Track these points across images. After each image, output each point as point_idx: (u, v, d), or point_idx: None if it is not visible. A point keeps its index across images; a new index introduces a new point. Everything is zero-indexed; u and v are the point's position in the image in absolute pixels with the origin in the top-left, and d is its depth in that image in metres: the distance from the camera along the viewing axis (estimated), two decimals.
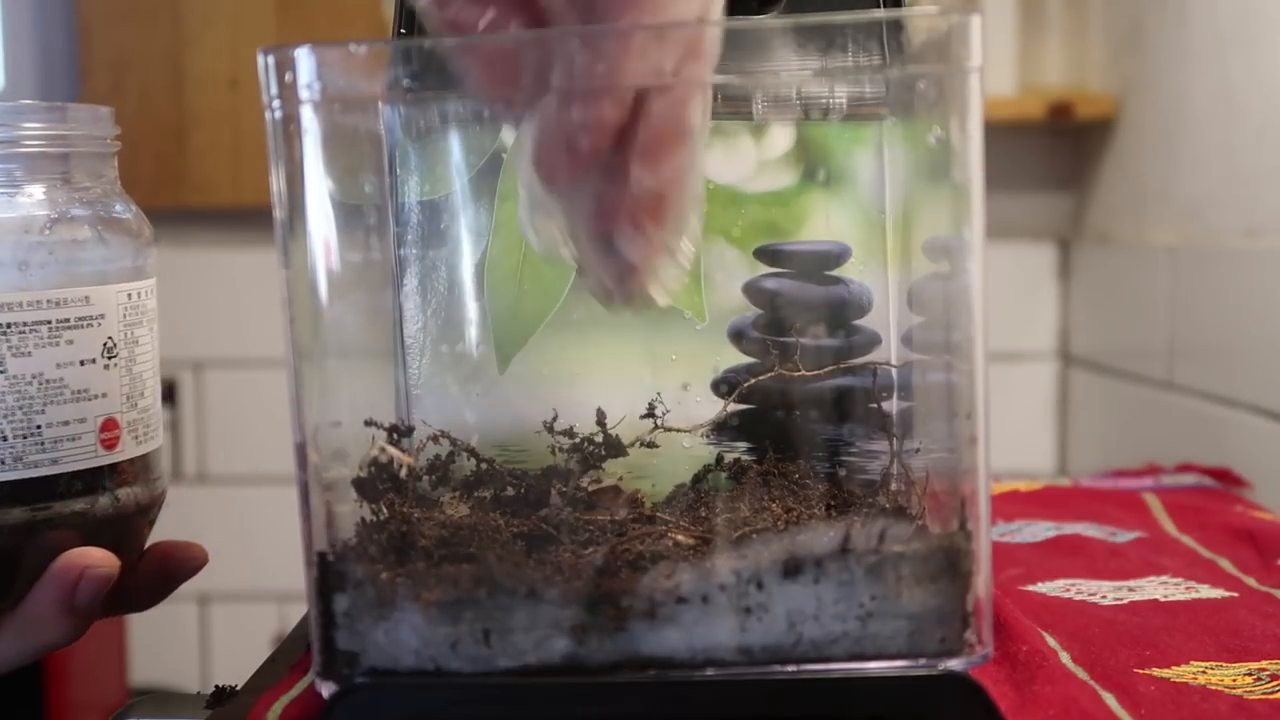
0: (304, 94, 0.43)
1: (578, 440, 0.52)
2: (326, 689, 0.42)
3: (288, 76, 0.43)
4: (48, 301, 0.50)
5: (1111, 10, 1.36)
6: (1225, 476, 0.91)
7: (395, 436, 0.49)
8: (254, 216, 1.49)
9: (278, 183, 0.44)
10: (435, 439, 0.51)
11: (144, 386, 0.54)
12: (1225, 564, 0.68)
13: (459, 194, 0.52)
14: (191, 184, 1.48)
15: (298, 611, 0.52)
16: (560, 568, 0.43)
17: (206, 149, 1.49)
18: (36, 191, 0.51)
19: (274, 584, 1.48)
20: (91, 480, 0.52)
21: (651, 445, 0.52)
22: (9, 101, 0.52)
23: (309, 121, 0.43)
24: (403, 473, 0.48)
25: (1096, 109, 1.36)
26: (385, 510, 0.47)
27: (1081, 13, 1.42)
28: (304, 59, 0.43)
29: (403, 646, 0.42)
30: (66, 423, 0.50)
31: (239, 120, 1.50)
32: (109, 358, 0.52)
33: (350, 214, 0.46)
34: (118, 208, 0.55)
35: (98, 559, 0.49)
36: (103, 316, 0.52)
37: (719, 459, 0.53)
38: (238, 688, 0.52)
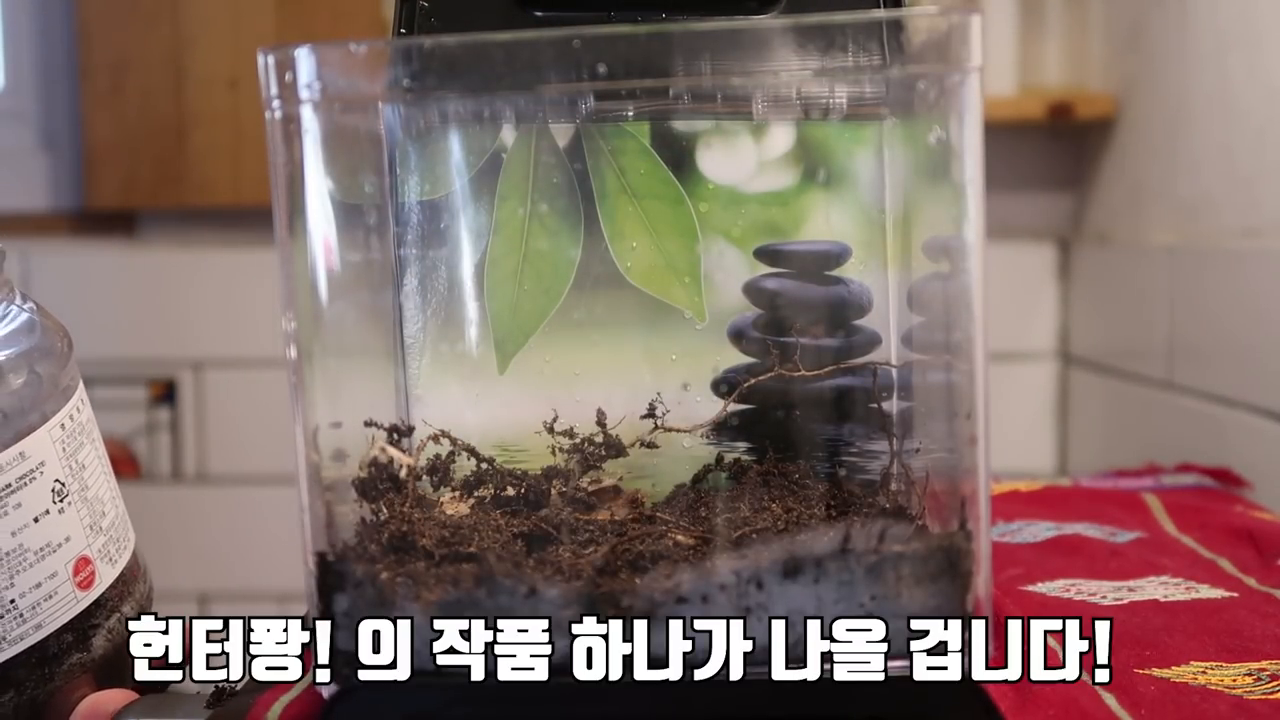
0: (304, 94, 0.43)
1: (578, 440, 0.52)
2: (326, 689, 0.42)
3: (288, 76, 0.43)
4: None
5: (1111, 10, 1.36)
6: (1225, 476, 0.91)
7: (395, 436, 0.49)
8: (254, 216, 1.49)
9: (278, 183, 0.44)
10: (435, 439, 0.51)
11: (102, 505, 0.51)
12: (1225, 564, 0.68)
13: (459, 194, 0.52)
14: (191, 184, 1.48)
15: (298, 611, 0.52)
16: (560, 568, 0.43)
17: (206, 149, 1.49)
18: None
19: (274, 584, 1.47)
20: (80, 625, 0.49)
21: (651, 445, 0.52)
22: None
23: (309, 121, 0.43)
24: (403, 473, 0.48)
25: (1096, 109, 1.36)
26: (385, 510, 0.47)
27: (1081, 13, 1.42)
28: (304, 59, 0.43)
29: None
30: (39, 584, 0.47)
31: (239, 120, 1.50)
32: (60, 500, 0.48)
33: (350, 214, 0.46)
34: (19, 319, 0.50)
35: (120, 701, 0.47)
36: (43, 464, 0.48)
37: (719, 459, 0.53)
38: (238, 688, 0.52)
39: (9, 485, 0.47)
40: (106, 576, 0.50)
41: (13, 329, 0.49)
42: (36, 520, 0.47)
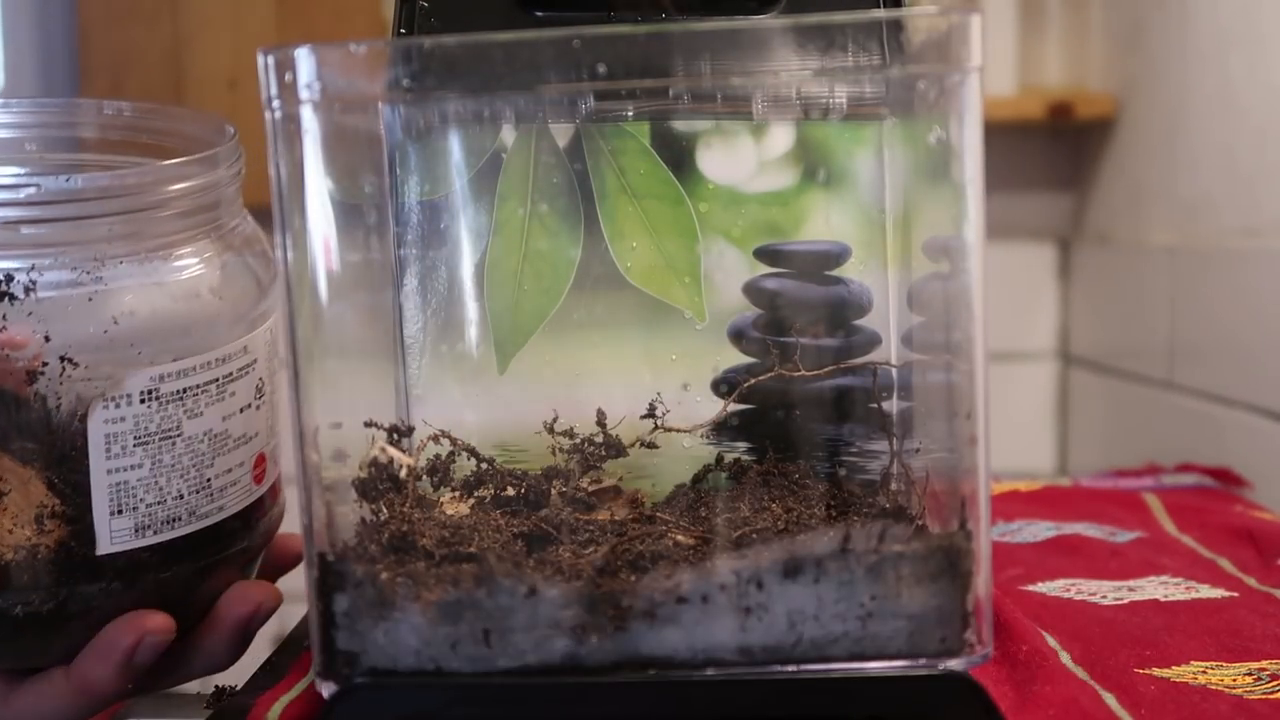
0: (304, 94, 0.43)
1: (578, 440, 0.52)
2: (326, 689, 0.42)
3: (288, 76, 0.43)
4: (217, 360, 0.50)
5: (1111, 10, 1.36)
6: (1225, 476, 0.91)
7: (395, 436, 0.49)
8: (254, 216, 1.50)
9: (278, 183, 0.44)
10: (435, 439, 0.51)
11: (277, 413, 0.55)
12: (1225, 564, 0.68)
13: (459, 194, 0.52)
14: None
15: (298, 611, 0.52)
16: (560, 568, 0.43)
17: None
18: (196, 250, 0.51)
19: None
20: (247, 516, 0.53)
21: (651, 445, 0.52)
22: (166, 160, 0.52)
23: (309, 121, 0.43)
24: (403, 473, 0.48)
25: (1096, 109, 1.36)
26: (385, 510, 0.47)
27: (1081, 13, 1.42)
28: (304, 59, 0.43)
29: (403, 646, 0.42)
30: (229, 470, 0.51)
31: (239, 120, 1.50)
32: (259, 398, 0.53)
33: (350, 214, 0.46)
34: (248, 230, 0.54)
35: (156, 624, 0.49)
36: (255, 361, 0.52)
37: (719, 459, 0.53)
38: (238, 688, 0.52)
39: (230, 374, 0.51)
40: (271, 477, 0.54)
41: (246, 236, 0.54)
42: (241, 411, 0.51)
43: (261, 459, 0.53)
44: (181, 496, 0.50)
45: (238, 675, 0.54)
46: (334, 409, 0.45)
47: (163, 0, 1.50)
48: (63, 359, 0.47)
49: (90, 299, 0.48)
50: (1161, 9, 1.22)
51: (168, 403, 0.49)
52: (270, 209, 0.44)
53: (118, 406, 0.48)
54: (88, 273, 0.48)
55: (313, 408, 0.44)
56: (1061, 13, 1.43)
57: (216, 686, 0.54)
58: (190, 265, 0.50)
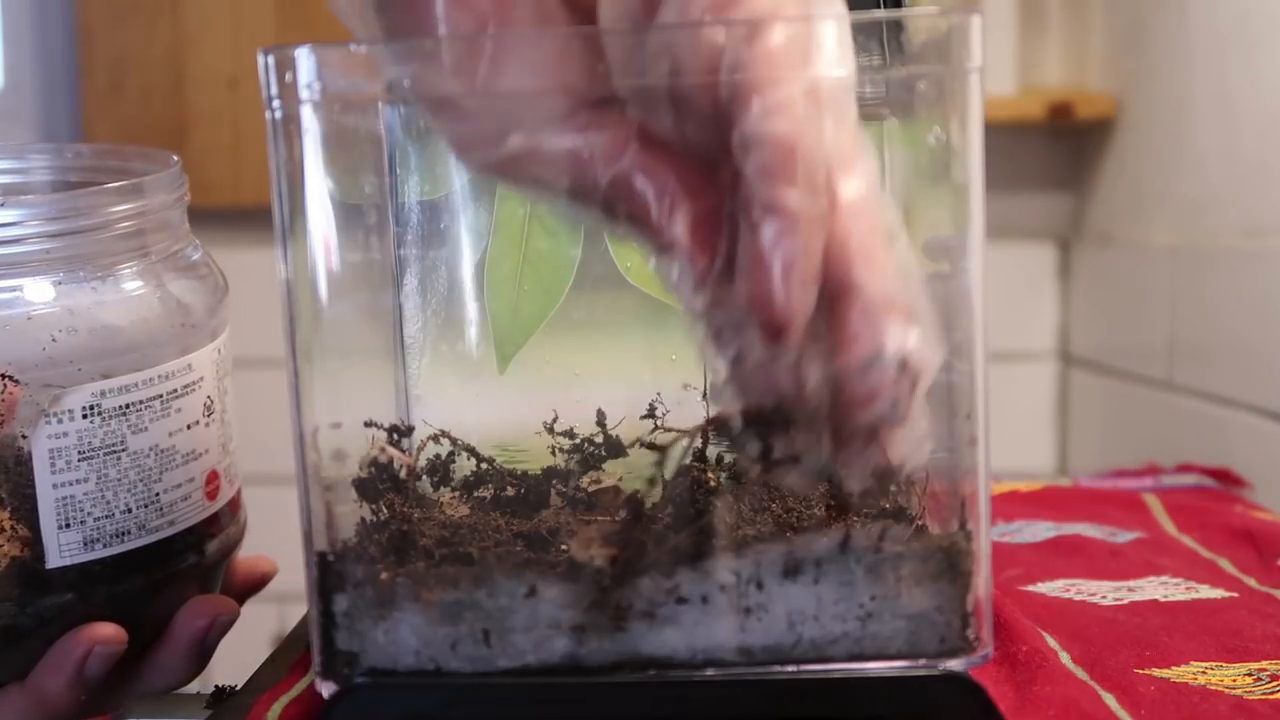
0: (304, 94, 0.43)
1: (578, 441, 0.52)
2: (326, 689, 0.42)
3: (288, 76, 0.43)
4: (159, 377, 0.52)
5: (1111, 10, 1.36)
6: (1225, 476, 0.91)
7: (395, 436, 0.49)
8: (254, 216, 1.49)
9: (278, 183, 0.44)
10: (435, 439, 0.51)
11: (231, 431, 0.56)
12: (1225, 564, 0.68)
13: (459, 194, 0.52)
14: (191, 184, 1.48)
15: (298, 611, 0.52)
16: (560, 568, 0.43)
17: (206, 149, 1.49)
18: (136, 272, 0.53)
19: (274, 584, 1.48)
20: (200, 532, 0.54)
21: (651, 445, 0.52)
22: (88, 187, 0.53)
23: (309, 121, 0.43)
24: (403, 473, 0.48)
25: (1096, 109, 1.37)
26: (385, 510, 0.47)
27: (1081, 13, 1.43)
28: (304, 59, 0.43)
29: (403, 646, 0.42)
30: (179, 485, 0.52)
31: (239, 120, 1.50)
32: (208, 415, 0.54)
33: (350, 214, 0.46)
34: (194, 257, 0.56)
35: (106, 635, 0.49)
36: (202, 379, 0.54)
37: (719, 459, 0.53)
38: (238, 688, 0.53)
39: (175, 390, 0.52)
40: (225, 494, 0.56)
41: (190, 261, 0.56)
42: (189, 427, 0.53)
43: (214, 475, 0.54)
44: (130, 510, 0.51)
45: (238, 675, 0.54)
46: (334, 409, 0.45)
47: (163, 0, 1.50)
48: (3, 376, 0.48)
49: (29, 318, 0.49)
50: (1161, 10, 1.22)
51: (110, 418, 0.50)
52: (270, 209, 0.44)
53: (60, 422, 0.49)
54: (27, 293, 0.50)
55: (313, 408, 0.44)
56: (1061, 13, 1.44)
57: (216, 686, 0.54)
58: (130, 286, 0.52)
